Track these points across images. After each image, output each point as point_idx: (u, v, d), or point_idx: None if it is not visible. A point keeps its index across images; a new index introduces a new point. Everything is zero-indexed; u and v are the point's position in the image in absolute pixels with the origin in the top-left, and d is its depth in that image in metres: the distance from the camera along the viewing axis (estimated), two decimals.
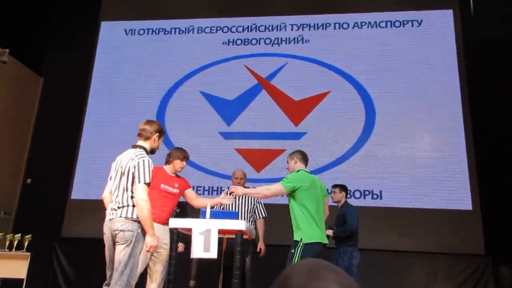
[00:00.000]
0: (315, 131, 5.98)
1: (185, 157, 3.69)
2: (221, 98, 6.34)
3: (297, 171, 3.53)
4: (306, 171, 3.55)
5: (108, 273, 2.61)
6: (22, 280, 4.99)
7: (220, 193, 5.82)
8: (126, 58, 6.85)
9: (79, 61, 7.01)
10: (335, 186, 4.79)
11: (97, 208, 5.44)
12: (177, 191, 3.62)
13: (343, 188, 4.74)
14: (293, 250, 3.25)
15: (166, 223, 3.31)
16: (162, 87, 6.54)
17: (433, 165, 5.60)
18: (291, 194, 3.40)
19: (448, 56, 5.97)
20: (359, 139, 5.85)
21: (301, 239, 3.24)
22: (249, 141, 6.06)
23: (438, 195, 5.47)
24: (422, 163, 5.63)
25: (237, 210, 4.16)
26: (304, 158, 3.63)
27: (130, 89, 6.64)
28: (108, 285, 2.58)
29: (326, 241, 3.37)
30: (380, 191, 5.58)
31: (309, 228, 3.29)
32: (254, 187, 5.39)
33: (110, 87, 6.74)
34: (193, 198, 3.70)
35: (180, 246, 4.77)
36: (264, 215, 4.25)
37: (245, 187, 4.32)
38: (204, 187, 5.92)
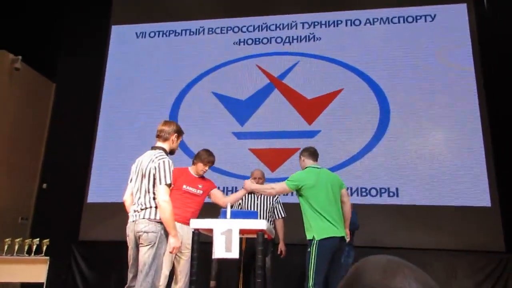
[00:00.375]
0: (329, 129, 5.94)
1: (209, 161, 3.71)
2: (233, 98, 6.33)
3: (304, 169, 3.53)
4: (314, 167, 3.52)
5: (130, 275, 2.60)
6: (42, 284, 5.04)
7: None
8: (137, 61, 6.88)
9: (91, 65, 7.06)
10: None
11: (113, 211, 5.51)
12: (201, 192, 3.63)
13: None
14: (309, 249, 3.23)
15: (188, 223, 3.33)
16: (174, 89, 6.56)
17: (450, 161, 5.53)
18: (299, 192, 3.39)
19: (463, 50, 5.89)
20: (374, 136, 5.80)
21: (313, 237, 3.22)
22: (262, 140, 6.05)
23: (456, 192, 5.40)
24: (439, 159, 5.56)
25: (256, 209, 4.14)
26: (312, 154, 3.61)
27: (143, 91, 6.66)
28: (129, 287, 2.58)
29: (341, 234, 3.30)
30: (397, 189, 5.53)
31: (320, 224, 3.26)
32: None
33: (123, 90, 6.77)
34: (219, 197, 3.72)
35: None
36: (283, 215, 4.23)
37: None
38: (218, 187, 5.88)
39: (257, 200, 4.22)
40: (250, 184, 3.56)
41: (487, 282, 5.11)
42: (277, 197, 4.29)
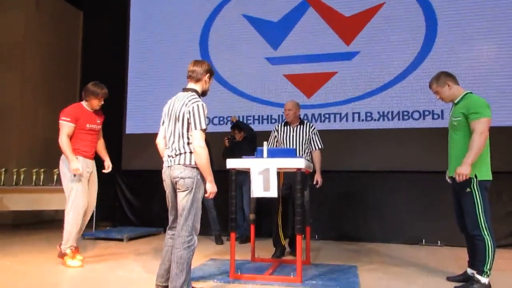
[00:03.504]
0: (369, 49, 5.53)
1: (103, 94, 3.70)
2: (265, 20, 5.94)
3: (467, 94, 3.03)
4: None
5: (170, 217, 2.63)
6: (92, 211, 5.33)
7: (271, 122, 5.72)
8: None
9: None
10: (233, 126, 5.23)
11: (151, 141, 5.58)
12: (99, 127, 3.86)
13: (241, 129, 5.17)
14: (468, 189, 2.88)
15: (94, 157, 3.81)
16: (202, 13, 6.22)
17: (499, 79, 5.08)
18: (465, 123, 2.93)
19: None
20: (418, 54, 5.36)
21: (475, 176, 2.85)
22: (297, 65, 5.74)
23: (507, 111, 5.03)
24: (488, 77, 5.12)
25: (293, 141, 4.02)
26: (455, 78, 3.12)
27: (171, 18, 6.37)
28: (171, 228, 2.62)
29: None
30: (442, 111, 5.22)
31: (485, 163, 2.92)
32: (307, 120, 5.22)
33: (150, 18, 6.50)
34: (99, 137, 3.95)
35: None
36: (320, 146, 4.09)
37: (299, 117, 4.15)
38: (254, 116, 5.80)
39: (293, 132, 4.09)
40: (466, 168, 2.81)
41: None
42: (314, 128, 4.13)
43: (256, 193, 2.87)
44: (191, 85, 2.64)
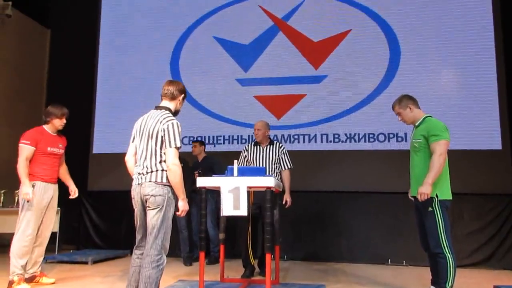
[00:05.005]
0: (336, 73, 5.72)
1: (63, 114, 3.71)
2: (236, 43, 6.05)
3: (427, 118, 3.17)
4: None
5: (138, 236, 2.58)
6: (55, 233, 5.15)
7: (241, 142, 5.76)
8: (134, 5, 6.52)
9: (86, 10, 6.75)
10: (195, 141, 5.43)
11: (119, 161, 5.47)
12: (62, 150, 3.82)
13: (202, 143, 5.40)
14: (430, 208, 2.99)
15: (56, 181, 3.76)
16: (173, 34, 6.27)
17: (462, 104, 5.37)
18: (425, 145, 3.06)
19: None
20: (383, 79, 5.59)
21: (436, 195, 2.98)
22: (267, 87, 5.86)
23: (467, 135, 5.29)
24: (450, 102, 5.40)
25: (262, 161, 4.06)
26: (416, 102, 3.27)
27: (141, 38, 6.38)
28: (138, 247, 2.57)
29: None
30: (405, 134, 5.43)
31: (445, 183, 3.04)
32: (276, 140, 5.30)
33: (120, 36, 6.49)
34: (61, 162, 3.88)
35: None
36: (289, 166, 4.15)
37: (269, 137, 4.20)
38: (224, 136, 5.83)
39: (263, 151, 4.13)
40: (426, 187, 2.93)
41: (494, 224, 5.15)
42: (283, 148, 4.20)
43: (226, 212, 2.88)
44: (165, 103, 2.65)
